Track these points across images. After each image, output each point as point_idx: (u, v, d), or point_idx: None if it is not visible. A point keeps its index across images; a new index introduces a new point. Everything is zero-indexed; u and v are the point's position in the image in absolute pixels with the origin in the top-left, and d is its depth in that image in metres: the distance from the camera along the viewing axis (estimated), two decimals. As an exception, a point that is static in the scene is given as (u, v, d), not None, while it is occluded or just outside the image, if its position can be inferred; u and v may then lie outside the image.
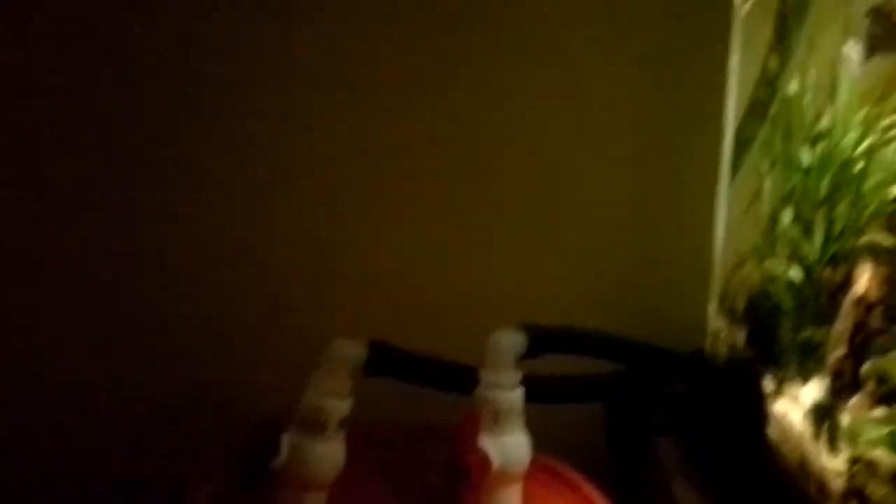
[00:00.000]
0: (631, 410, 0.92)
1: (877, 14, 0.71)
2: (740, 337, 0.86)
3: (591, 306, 0.99)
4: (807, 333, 0.76)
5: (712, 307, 0.93)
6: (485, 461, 0.74)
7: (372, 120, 0.98)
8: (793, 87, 0.80)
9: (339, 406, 0.76)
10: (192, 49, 0.95)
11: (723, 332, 0.90)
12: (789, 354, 0.78)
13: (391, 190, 1.00)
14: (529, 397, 0.81)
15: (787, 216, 0.79)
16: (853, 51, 0.73)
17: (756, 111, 0.86)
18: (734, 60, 0.90)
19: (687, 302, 0.96)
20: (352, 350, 0.78)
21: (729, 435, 0.86)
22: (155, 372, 0.99)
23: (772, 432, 0.78)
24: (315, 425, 0.75)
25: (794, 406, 0.76)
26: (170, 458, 0.93)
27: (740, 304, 0.87)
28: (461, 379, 0.81)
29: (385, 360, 0.81)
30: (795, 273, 0.77)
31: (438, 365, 0.86)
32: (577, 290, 1.01)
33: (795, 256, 0.78)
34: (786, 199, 0.79)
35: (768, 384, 0.80)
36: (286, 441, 0.75)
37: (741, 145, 0.89)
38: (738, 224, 0.89)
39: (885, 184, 0.69)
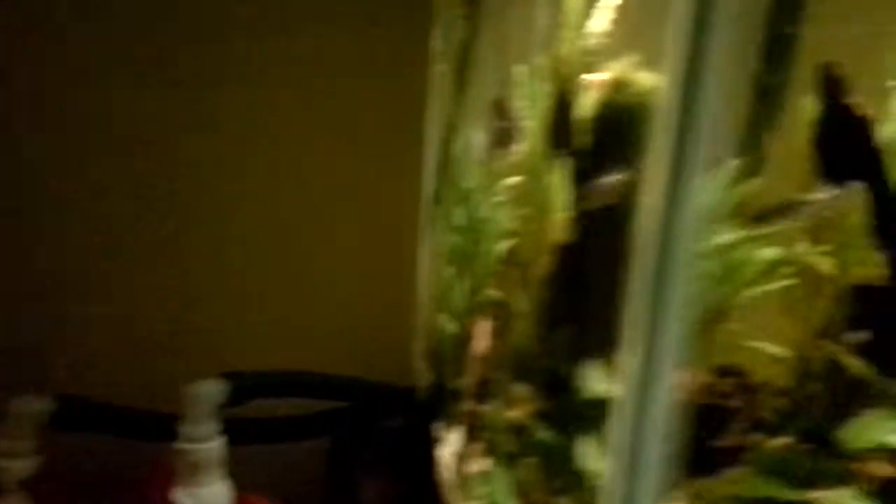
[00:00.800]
0: (345, 447, 0.96)
1: (497, 108, 0.75)
2: (429, 380, 0.90)
3: (314, 350, 1.01)
4: (457, 382, 0.80)
5: (417, 348, 0.97)
6: (179, 513, 0.77)
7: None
8: (454, 150, 0.84)
9: (20, 466, 0.78)
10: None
11: (422, 374, 0.94)
12: (449, 402, 0.82)
13: (97, 228, 0.99)
14: (247, 439, 0.84)
15: (448, 271, 0.83)
16: (476, 138, 0.77)
17: (439, 172, 0.90)
18: (432, 122, 0.94)
19: (399, 343, 1.00)
20: (35, 406, 0.79)
21: (421, 474, 0.89)
22: None
23: (437, 475, 0.82)
24: (-6, 486, 0.76)
25: (449, 452, 0.80)
26: None
27: (429, 349, 0.91)
28: (160, 428, 0.83)
29: (76, 414, 0.83)
30: (451, 325, 0.82)
31: (134, 415, 0.87)
32: (300, 336, 1.03)
33: (452, 309, 0.82)
34: (448, 256, 0.83)
35: (438, 429, 0.84)
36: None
37: (433, 203, 0.93)
38: (432, 276, 0.93)
39: (494, 244, 0.73)
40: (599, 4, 0.60)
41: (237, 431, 0.84)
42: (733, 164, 0.79)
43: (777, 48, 0.86)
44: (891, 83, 0.69)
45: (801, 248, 0.72)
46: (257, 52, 0.97)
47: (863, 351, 0.67)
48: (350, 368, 0.97)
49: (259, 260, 1.01)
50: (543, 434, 0.60)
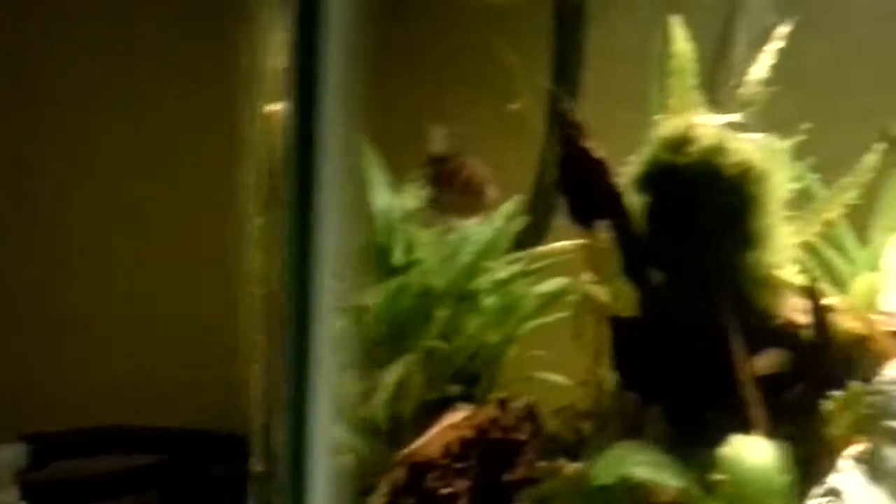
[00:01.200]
0: (172, 500, 0.93)
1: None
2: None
3: (144, 402, 0.98)
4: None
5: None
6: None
7: None
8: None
9: None
10: None
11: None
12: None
13: None
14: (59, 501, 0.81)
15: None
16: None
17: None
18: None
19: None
20: None
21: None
22: None
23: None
24: None
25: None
26: None
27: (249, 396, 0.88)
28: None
29: None
30: (256, 371, 0.79)
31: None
32: (128, 389, 1.00)
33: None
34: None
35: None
36: None
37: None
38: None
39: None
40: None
41: (45, 495, 0.82)
42: (514, 199, 0.79)
43: (563, 77, 0.84)
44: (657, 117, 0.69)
45: (585, 279, 0.70)
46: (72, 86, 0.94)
47: (624, 378, 0.66)
48: (182, 418, 0.94)
49: (77, 309, 0.99)
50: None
